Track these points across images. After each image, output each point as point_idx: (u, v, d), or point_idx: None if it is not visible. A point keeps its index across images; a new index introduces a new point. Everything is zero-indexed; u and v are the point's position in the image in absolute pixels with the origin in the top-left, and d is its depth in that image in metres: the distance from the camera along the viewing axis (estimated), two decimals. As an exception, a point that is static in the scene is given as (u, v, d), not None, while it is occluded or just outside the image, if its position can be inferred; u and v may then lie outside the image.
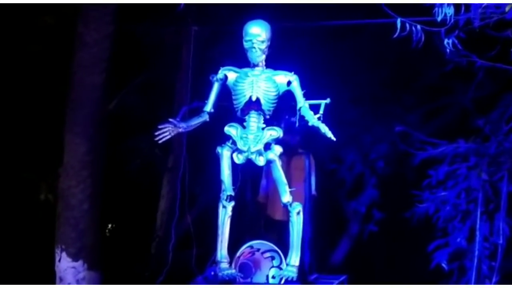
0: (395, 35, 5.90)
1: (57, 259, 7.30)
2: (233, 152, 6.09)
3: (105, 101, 7.71)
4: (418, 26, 5.88)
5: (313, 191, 6.77)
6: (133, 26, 8.24)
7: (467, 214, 7.11)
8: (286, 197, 6.04)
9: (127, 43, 8.21)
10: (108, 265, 7.59)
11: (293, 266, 6.01)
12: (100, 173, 7.49)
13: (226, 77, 6.16)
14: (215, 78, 6.18)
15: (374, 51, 8.39)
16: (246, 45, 6.05)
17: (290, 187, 6.11)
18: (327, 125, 6.04)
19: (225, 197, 6.07)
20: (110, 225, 9.46)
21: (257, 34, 6.01)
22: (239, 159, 6.10)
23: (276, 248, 6.27)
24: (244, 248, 6.32)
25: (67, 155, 7.44)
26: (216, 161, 6.27)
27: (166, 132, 6.02)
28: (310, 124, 6.03)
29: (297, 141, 6.81)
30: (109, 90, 7.70)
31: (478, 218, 7.04)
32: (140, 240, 8.85)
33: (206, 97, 6.32)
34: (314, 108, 6.15)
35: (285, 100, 6.17)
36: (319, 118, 6.06)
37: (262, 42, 6.02)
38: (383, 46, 7.35)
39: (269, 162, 6.06)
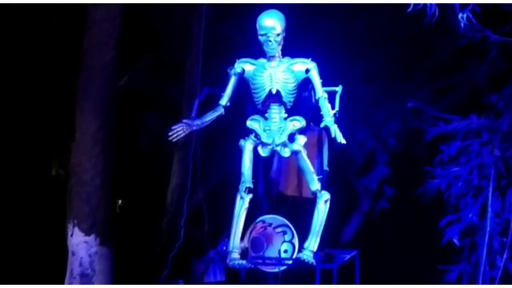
0: (409, 9, 5.86)
1: (69, 234, 7.34)
2: (256, 145, 6.10)
3: (116, 78, 7.72)
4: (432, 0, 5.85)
5: (325, 167, 6.76)
6: (143, 3, 8.20)
7: (479, 190, 7.11)
8: (315, 185, 6.07)
9: (137, 20, 8.19)
10: (120, 240, 7.62)
11: (310, 251, 6.01)
12: (111, 149, 7.51)
13: (243, 70, 6.14)
14: (232, 71, 6.15)
15: (386, 27, 8.33)
16: (261, 39, 5.98)
17: None
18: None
19: (243, 189, 6.09)
20: (121, 201, 9.48)
21: (272, 26, 5.94)
22: (264, 152, 6.12)
23: (288, 223, 6.29)
24: (256, 222, 6.34)
25: (79, 131, 7.47)
26: (227, 139, 6.29)
27: (180, 131, 6.04)
28: (322, 125, 6.03)
29: (310, 116, 6.80)
30: (119, 67, 7.71)
31: (490, 194, 7.03)
32: (151, 216, 8.87)
33: (216, 75, 6.31)
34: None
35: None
36: (335, 114, 6.06)
37: (278, 35, 5.95)
38: (396, 21, 7.32)
39: (294, 153, 6.06)
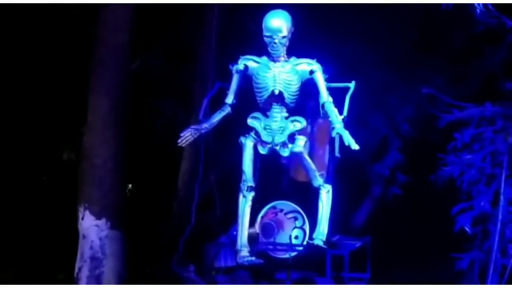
0: (425, -4, 5.80)
1: (80, 217, 7.34)
2: (256, 143, 6.09)
3: (129, 61, 7.71)
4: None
5: (337, 153, 6.73)
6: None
7: (492, 178, 7.03)
8: (317, 182, 6.16)
9: (151, 4, 8.15)
10: (131, 224, 7.62)
11: (320, 240, 6.06)
12: (123, 132, 7.51)
13: (246, 67, 6.11)
14: (235, 68, 6.15)
15: (401, 13, 8.25)
16: (266, 40, 5.98)
17: (315, 152, 6.12)
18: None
19: (245, 188, 6.12)
20: (132, 185, 9.50)
21: (278, 28, 5.92)
22: (263, 150, 6.12)
23: (299, 209, 6.29)
24: (267, 208, 6.34)
25: (91, 115, 7.46)
26: (239, 123, 6.28)
27: (188, 136, 6.04)
28: (333, 134, 6.02)
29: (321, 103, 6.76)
30: (132, 50, 7.69)
31: (502, 182, 6.96)
32: (162, 200, 8.88)
33: (229, 60, 6.28)
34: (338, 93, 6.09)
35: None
36: (343, 120, 6.02)
37: (284, 37, 5.94)
38: (411, 7, 7.25)
39: (295, 154, 6.09)
